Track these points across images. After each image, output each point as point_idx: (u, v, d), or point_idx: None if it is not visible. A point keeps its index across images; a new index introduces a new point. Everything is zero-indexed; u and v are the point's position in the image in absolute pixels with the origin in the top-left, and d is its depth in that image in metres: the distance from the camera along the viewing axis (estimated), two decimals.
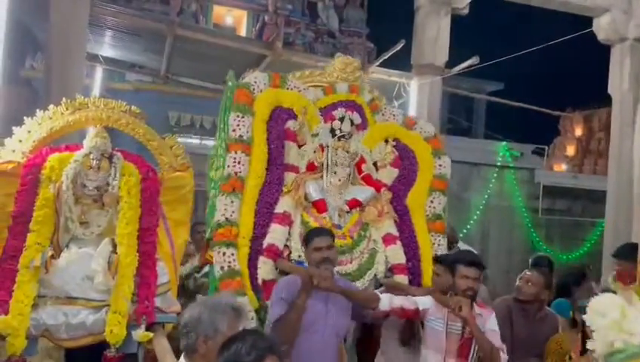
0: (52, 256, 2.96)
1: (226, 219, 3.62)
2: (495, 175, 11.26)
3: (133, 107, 3.44)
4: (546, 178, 11.65)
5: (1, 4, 3.06)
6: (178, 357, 2.42)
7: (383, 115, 4.53)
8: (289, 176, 3.99)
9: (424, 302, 3.39)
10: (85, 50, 6.87)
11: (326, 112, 4.26)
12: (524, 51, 6.93)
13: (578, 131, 14.86)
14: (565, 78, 17.17)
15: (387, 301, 3.33)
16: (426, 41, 7.28)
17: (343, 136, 4.16)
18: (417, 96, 7.49)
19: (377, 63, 7.92)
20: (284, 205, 3.84)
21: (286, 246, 3.78)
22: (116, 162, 3.22)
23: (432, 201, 4.38)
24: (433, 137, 4.60)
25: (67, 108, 3.27)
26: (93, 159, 3.15)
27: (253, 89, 3.98)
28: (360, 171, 4.27)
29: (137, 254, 3.10)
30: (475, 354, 3.28)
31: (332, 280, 3.13)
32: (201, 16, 12.49)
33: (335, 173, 4.08)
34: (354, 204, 4.09)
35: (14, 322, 2.72)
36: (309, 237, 3.37)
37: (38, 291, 2.90)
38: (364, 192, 4.16)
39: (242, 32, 13.67)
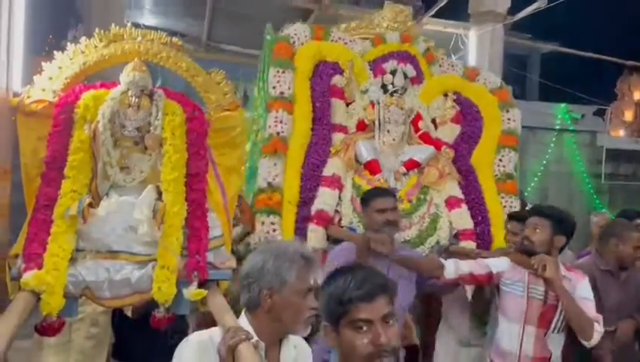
0: (90, 205, 2.59)
1: (268, 183, 3.35)
2: (554, 139, 10.71)
3: (174, 39, 3.03)
4: (609, 141, 11.02)
5: None
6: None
7: (440, 66, 4.17)
8: (337, 137, 3.68)
9: (498, 264, 2.95)
10: (125, 17, 6.67)
11: (375, 66, 3.91)
12: None
13: (637, 95, 13.93)
14: (627, 35, 16.09)
15: (453, 267, 2.93)
16: None
17: (396, 92, 3.83)
18: (477, 47, 6.95)
19: (431, 13, 7.38)
20: (332, 167, 3.53)
21: (336, 211, 3.46)
22: (158, 100, 2.81)
23: (500, 159, 4.00)
24: (499, 89, 4.19)
25: (101, 41, 2.89)
26: (132, 96, 2.76)
27: (294, 42, 3.68)
28: (417, 129, 3.91)
29: (185, 203, 2.70)
30: (559, 323, 2.79)
31: (391, 246, 2.81)
32: None
33: (388, 131, 3.75)
34: (411, 165, 3.74)
35: (49, 277, 2.36)
36: (369, 197, 3.03)
37: (75, 244, 2.53)
38: (422, 152, 3.81)
39: None
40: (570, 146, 10.92)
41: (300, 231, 3.38)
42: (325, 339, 1.60)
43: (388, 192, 3.13)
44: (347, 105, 3.82)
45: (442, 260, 3.03)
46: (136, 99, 2.77)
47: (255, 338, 1.89)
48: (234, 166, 3.12)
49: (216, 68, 3.08)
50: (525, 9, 6.93)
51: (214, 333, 2.01)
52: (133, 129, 2.77)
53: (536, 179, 10.43)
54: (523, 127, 9.90)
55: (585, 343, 2.73)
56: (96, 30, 2.91)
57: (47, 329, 2.37)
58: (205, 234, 2.72)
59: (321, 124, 3.67)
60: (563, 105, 11.13)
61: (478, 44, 7.00)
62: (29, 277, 2.34)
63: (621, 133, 12.98)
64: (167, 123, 2.80)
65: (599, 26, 14.15)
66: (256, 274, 1.91)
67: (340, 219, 3.49)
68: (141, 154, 2.79)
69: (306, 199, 3.48)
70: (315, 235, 3.36)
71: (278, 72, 3.56)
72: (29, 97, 2.73)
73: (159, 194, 2.70)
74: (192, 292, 2.53)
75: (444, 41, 7.40)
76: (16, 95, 2.78)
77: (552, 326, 2.81)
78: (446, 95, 4.08)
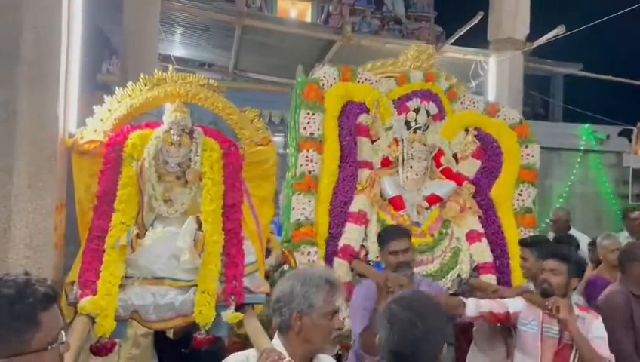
0: (137, 236, 2.84)
1: (306, 218, 3.51)
2: (579, 160, 10.59)
3: (211, 80, 3.29)
4: (636, 161, 10.86)
5: (77, 10, 2.98)
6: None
7: (462, 103, 4.23)
8: (363, 173, 3.79)
9: (515, 304, 3.06)
10: (157, 50, 6.95)
11: (400, 104, 4.01)
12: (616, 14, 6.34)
13: None
14: None
15: (474, 306, 3.03)
16: (504, 14, 6.86)
17: (419, 128, 3.90)
18: (496, 73, 7.07)
19: (451, 41, 7.55)
20: (359, 203, 3.65)
21: (362, 246, 3.59)
22: (197, 137, 3.07)
23: (520, 194, 4.05)
24: (519, 124, 4.24)
25: (145, 85, 3.16)
26: (173, 135, 3.02)
27: (323, 84, 3.81)
28: (438, 165, 4.00)
29: (223, 232, 2.93)
30: None
31: (411, 285, 2.89)
32: (266, 11, 12.51)
33: (411, 167, 3.85)
34: (433, 199, 3.83)
35: (102, 302, 2.61)
36: (384, 238, 3.16)
37: (125, 271, 2.79)
38: (443, 187, 3.90)
39: None
40: (596, 167, 10.72)
41: (328, 264, 3.50)
42: None
43: (402, 233, 3.20)
44: (372, 142, 3.93)
45: (463, 299, 3.12)
46: (178, 138, 3.02)
47: (288, 358, 2.03)
48: (266, 196, 3.36)
49: (242, 96, 3.26)
50: (544, 36, 7.01)
51: (250, 354, 2.18)
52: (175, 165, 3.02)
53: (561, 200, 10.29)
54: (547, 148, 9.96)
55: None
56: (141, 75, 3.18)
57: (101, 349, 2.61)
58: (241, 261, 2.94)
59: (348, 162, 3.78)
60: (587, 125, 10.99)
61: (498, 71, 7.06)
62: (86, 302, 2.59)
63: None
64: (206, 158, 3.05)
65: (620, 47, 14.15)
66: (286, 299, 2.06)
67: (367, 254, 3.59)
68: (182, 187, 3.04)
69: (334, 234, 3.60)
70: (341, 269, 3.47)
71: (308, 113, 3.70)
72: (82, 138, 3.02)
73: (199, 224, 2.93)
74: (230, 315, 2.75)
75: (464, 68, 7.54)
76: (70, 136, 3.05)
77: None
78: (467, 131, 4.14)
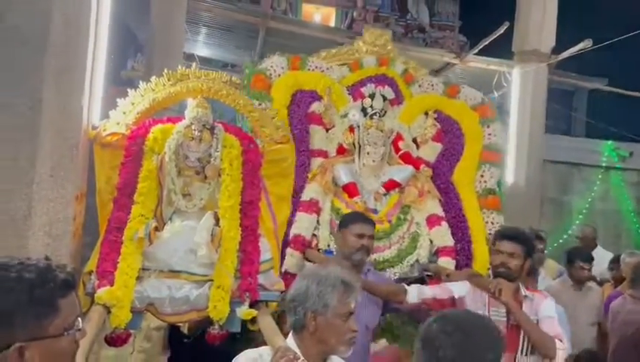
0: (156, 229, 2.86)
1: None
2: (600, 176, 10.42)
3: (234, 78, 3.31)
4: None
5: (106, 7, 3.02)
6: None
7: (420, 86, 4.16)
8: (316, 162, 3.73)
9: (459, 288, 3.00)
10: (182, 48, 7.02)
11: (354, 90, 3.97)
12: None
13: None
14: None
15: (415, 292, 3.00)
16: (530, 26, 6.80)
17: (376, 114, 3.85)
18: (520, 85, 7.00)
19: (475, 51, 7.50)
20: (310, 192, 3.58)
21: (314, 235, 3.53)
22: (218, 133, 3.09)
23: (482, 175, 3.96)
24: (481, 104, 4.14)
25: (169, 80, 3.18)
26: (194, 130, 3.03)
27: (270, 74, 3.76)
28: (397, 150, 3.92)
29: (240, 229, 2.94)
30: (526, 345, 2.77)
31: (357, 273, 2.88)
32: (290, 14, 12.57)
33: (368, 153, 3.79)
34: (391, 185, 3.78)
35: (119, 293, 2.63)
36: (350, 219, 3.13)
37: (142, 264, 2.80)
38: (402, 172, 3.83)
39: None
40: (618, 184, 10.54)
41: (283, 256, 3.43)
42: None
43: (368, 220, 3.18)
44: (327, 130, 3.87)
45: (405, 285, 3.10)
46: (199, 133, 3.04)
47: (301, 358, 2.02)
48: (284, 194, 3.36)
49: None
50: (570, 49, 6.92)
51: (264, 352, 2.18)
52: (195, 160, 3.03)
53: (581, 216, 10.10)
54: (567, 163, 9.85)
55: None
56: (165, 70, 3.20)
57: (116, 339, 2.62)
58: (257, 258, 2.95)
59: (299, 151, 3.66)
60: (610, 142, 10.81)
61: (522, 82, 6.98)
62: (103, 292, 2.61)
63: None
64: (226, 155, 3.06)
65: None
66: (301, 298, 2.06)
67: (317, 243, 3.52)
68: (201, 182, 3.05)
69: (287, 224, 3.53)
70: (291, 259, 3.39)
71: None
72: (105, 130, 3.05)
73: (217, 219, 2.94)
74: (244, 311, 2.75)
75: (487, 78, 7.47)
76: (94, 127, 3.08)
77: (519, 348, 2.77)
78: (427, 114, 4.06)
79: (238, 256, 2.88)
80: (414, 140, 4.02)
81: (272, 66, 3.81)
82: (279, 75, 3.80)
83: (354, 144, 3.82)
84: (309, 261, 3.41)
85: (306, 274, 2.21)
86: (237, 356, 2.11)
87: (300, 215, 3.51)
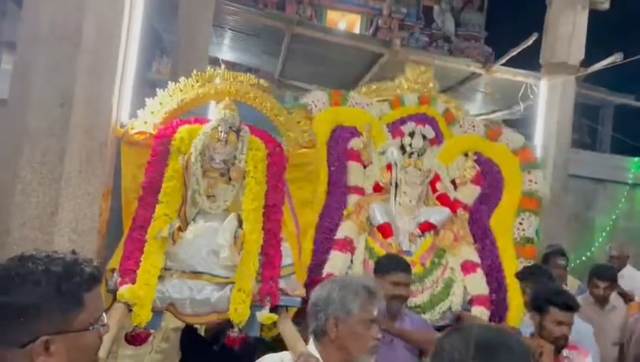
0: (179, 229, 2.85)
1: None
2: (625, 193, 10.21)
3: (261, 80, 3.31)
4: None
5: (139, 8, 3.06)
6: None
7: (461, 126, 4.07)
8: (352, 199, 3.65)
9: None
10: (208, 52, 7.06)
11: (394, 128, 3.91)
12: None
13: None
14: None
15: None
16: (559, 38, 6.71)
17: (415, 153, 3.79)
18: (547, 98, 6.90)
19: (502, 61, 7.43)
20: (345, 230, 3.52)
21: (347, 274, 3.43)
22: (244, 136, 3.08)
23: (520, 223, 3.85)
24: (522, 148, 4.04)
25: (197, 81, 3.20)
26: (221, 132, 3.03)
27: (311, 109, 3.71)
28: (434, 190, 3.83)
29: (262, 232, 2.93)
30: None
31: (390, 322, 2.86)
32: (316, 21, 12.61)
33: (405, 193, 3.71)
34: (426, 227, 3.67)
35: (141, 292, 2.63)
36: (386, 265, 3.06)
37: (164, 263, 2.80)
38: (438, 214, 3.73)
39: None
40: None
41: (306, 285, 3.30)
42: None
43: (407, 267, 3.09)
44: (365, 167, 3.80)
45: (438, 334, 2.99)
46: (225, 135, 3.03)
47: None
48: (308, 199, 3.35)
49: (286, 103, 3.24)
50: (600, 62, 6.81)
51: (285, 357, 2.17)
52: (220, 161, 3.02)
53: (604, 234, 9.92)
54: (592, 178, 9.67)
55: None
56: (194, 71, 3.22)
57: (136, 338, 2.62)
58: (279, 262, 2.93)
59: (336, 188, 3.66)
60: (637, 158, 10.62)
61: (549, 95, 6.86)
62: (125, 290, 2.62)
63: None
64: (251, 157, 3.06)
65: None
66: (323, 304, 2.05)
67: None
68: (226, 184, 3.05)
69: (318, 262, 3.44)
70: None
71: None
72: (132, 128, 3.07)
73: (240, 222, 2.93)
74: (264, 315, 2.73)
75: (513, 90, 7.40)
76: (122, 126, 3.10)
77: None
78: (466, 155, 3.95)
79: (259, 260, 2.87)
80: (452, 182, 3.94)
81: (313, 101, 3.78)
82: (320, 110, 3.77)
83: (391, 182, 3.76)
84: None
85: (330, 280, 2.19)
86: (258, 360, 2.11)
87: (334, 253, 3.45)
